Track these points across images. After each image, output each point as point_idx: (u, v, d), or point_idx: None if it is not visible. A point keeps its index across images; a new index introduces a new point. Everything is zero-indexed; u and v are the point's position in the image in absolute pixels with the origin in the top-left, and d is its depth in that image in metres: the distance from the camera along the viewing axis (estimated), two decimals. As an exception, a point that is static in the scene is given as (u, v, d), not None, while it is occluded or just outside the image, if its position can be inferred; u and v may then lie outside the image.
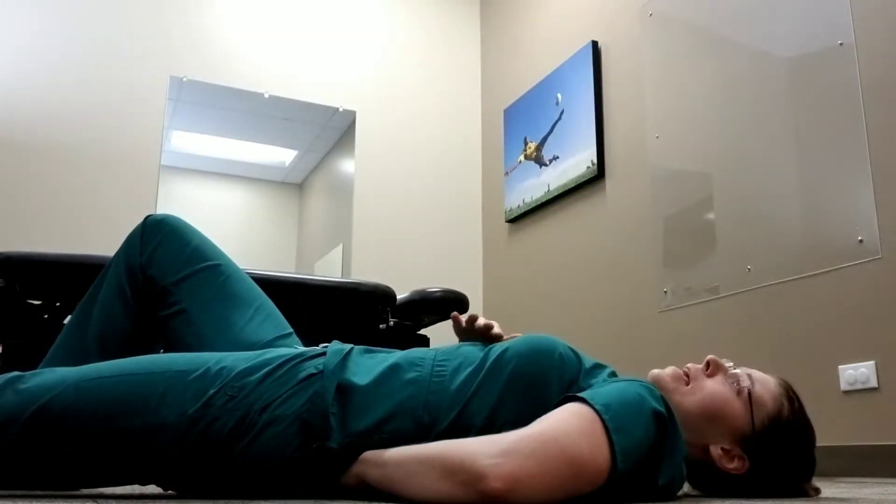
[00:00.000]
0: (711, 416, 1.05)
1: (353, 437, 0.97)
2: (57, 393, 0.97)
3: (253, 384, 0.99)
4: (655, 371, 1.11)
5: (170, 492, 1.08)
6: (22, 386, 0.98)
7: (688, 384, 1.08)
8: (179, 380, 0.99)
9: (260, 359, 1.03)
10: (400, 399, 1.00)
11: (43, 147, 3.56)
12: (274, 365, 1.02)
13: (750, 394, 1.05)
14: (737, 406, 1.05)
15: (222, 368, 1.00)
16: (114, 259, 1.24)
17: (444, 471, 0.84)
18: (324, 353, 1.06)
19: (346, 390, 1.00)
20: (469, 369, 1.03)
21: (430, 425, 0.98)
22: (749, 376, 1.08)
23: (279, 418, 0.97)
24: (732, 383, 1.07)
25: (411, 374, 1.03)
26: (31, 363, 1.15)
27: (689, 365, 1.12)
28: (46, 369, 1.03)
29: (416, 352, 1.09)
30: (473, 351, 1.08)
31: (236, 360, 1.03)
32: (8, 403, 0.96)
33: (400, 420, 0.98)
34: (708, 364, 1.09)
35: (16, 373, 1.01)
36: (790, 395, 1.09)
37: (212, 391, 0.97)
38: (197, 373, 1.00)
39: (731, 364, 1.12)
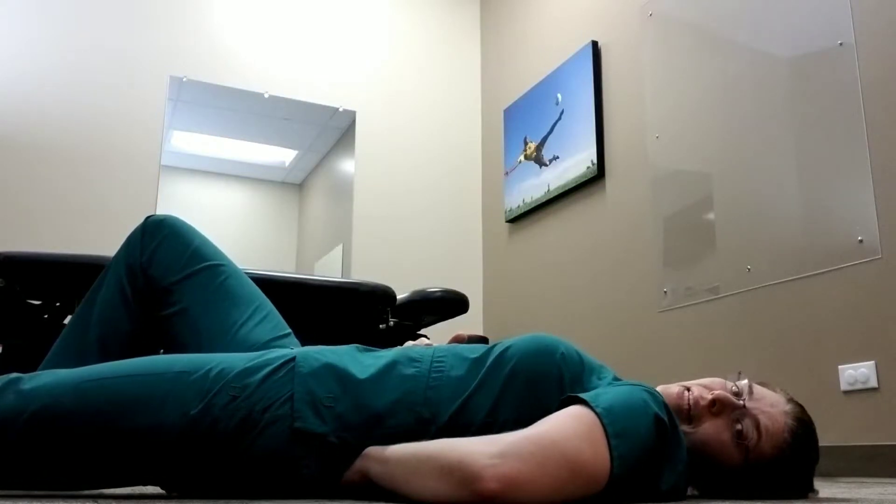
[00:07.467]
0: (703, 458, 1.02)
1: (353, 431, 0.97)
2: (57, 395, 0.96)
3: (255, 384, 0.99)
4: (660, 388, 1.06)
5: (172, 492, 1.08)
6: (21, 387, 0.98)
7: (689, 420, 1.03)
8: (180, 381, 0.98)
9: (261, 359, 1.03)
10: (399, 394, 1.00)
11: (43, 147, 3.56)
12: (275, 365, 1.02)
13: (748, 450, 1.01)
14: (733, 455, 1.01)
15: (223, 369, 1.00)
16: (114, 260, 1.24)
17: (442, 470, 0.84)
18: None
19: (345, 385, 1.00)
20: (469, 365, 1.03)
21: (430, 420, 0.99)
22: (756, 426, 1.01)
23: (281, 418, 0.97)
24: (736, 425, 1.01)
25: (410, 370, 1.03)
26: (31, 363, 1.15)
27: (694, 390, 1.05)
28: (46, 371, 1.03)
29: (414, 349, 1.09)
30: (471, 349, 1.08)
31: (237, 360, 1.03)
32: (8, 405, 0.96)
33: (400, 415, 0.99)
34: (714, 402, 1.02)
35: (15, 374, 1.01)
36: (796, 439, 1.02)
37: (214, 392, 0.97)
38: (198, 374, 0.99)
39: (746, 382, 1.05)
